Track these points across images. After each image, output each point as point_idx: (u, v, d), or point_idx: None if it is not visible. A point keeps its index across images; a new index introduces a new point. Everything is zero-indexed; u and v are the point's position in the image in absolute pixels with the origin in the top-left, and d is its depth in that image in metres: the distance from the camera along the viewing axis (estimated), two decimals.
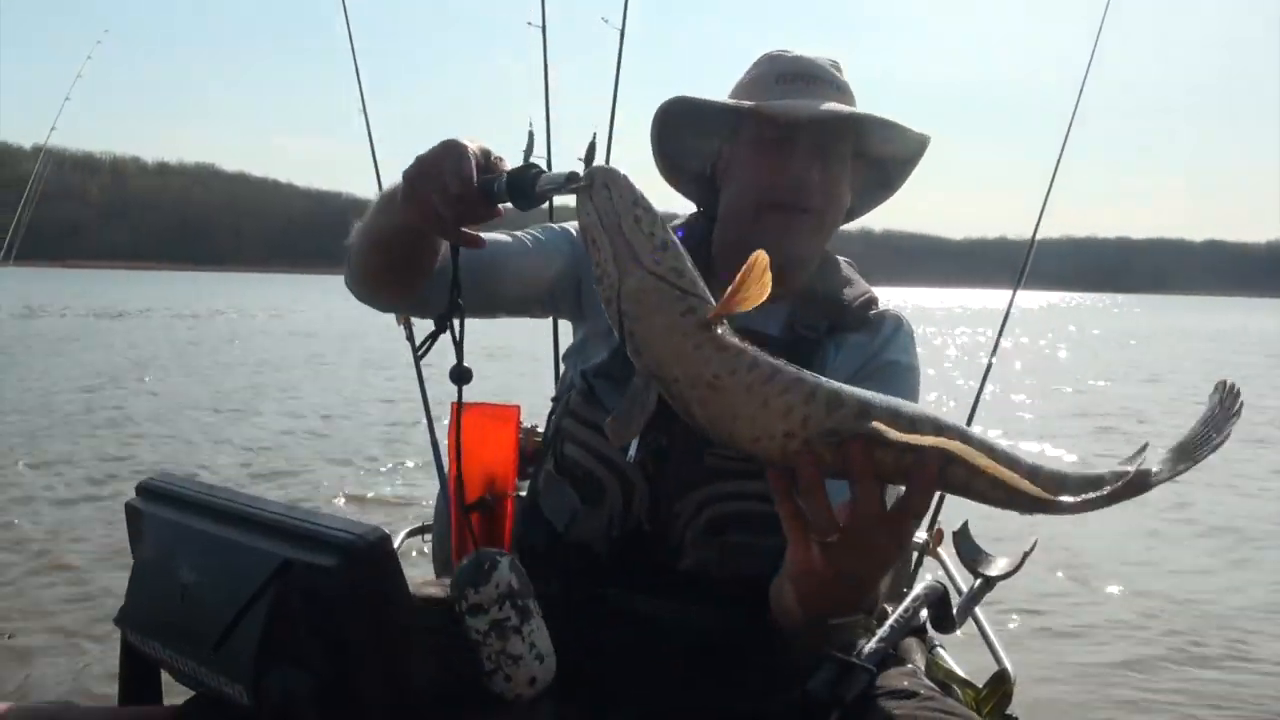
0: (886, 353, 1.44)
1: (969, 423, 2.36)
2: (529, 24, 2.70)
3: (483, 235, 1.24)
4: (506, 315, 1.53)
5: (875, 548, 0.89)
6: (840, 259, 1.58)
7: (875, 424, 0.89)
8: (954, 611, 1.64)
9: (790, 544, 0.96)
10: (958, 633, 1.71)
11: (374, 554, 0.90)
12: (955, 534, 1.95)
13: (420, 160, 1.12)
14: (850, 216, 1.58)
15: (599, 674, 1.30)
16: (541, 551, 1.49)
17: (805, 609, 1.03)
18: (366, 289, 1.42)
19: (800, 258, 1.45)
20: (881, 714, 1.22)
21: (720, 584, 1.38)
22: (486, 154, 1.12)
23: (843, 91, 1.47)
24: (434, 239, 1.26)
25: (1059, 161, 2.54)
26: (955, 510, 2.14)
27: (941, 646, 1.67)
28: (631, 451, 1.39)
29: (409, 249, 1.29)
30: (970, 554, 1.89)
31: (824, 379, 0.94)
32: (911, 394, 1.39)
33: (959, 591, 1.86)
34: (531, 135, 2.65)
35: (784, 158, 1.42)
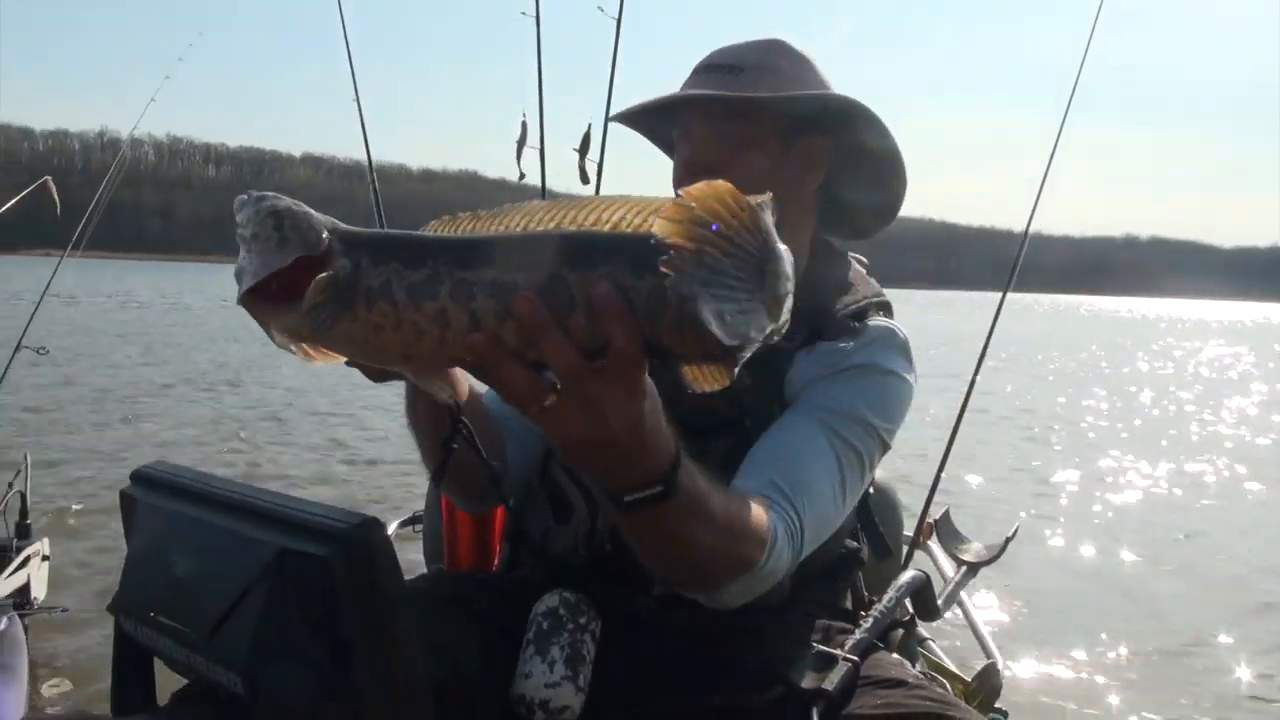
0: (858, 356, 1.32)
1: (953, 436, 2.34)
2: (522, 14, 2.69)
3: None
4: None
5: (597, 401, 0.81)
6: (852, 258, 1.49)
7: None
8: (938, 600, 1.64)
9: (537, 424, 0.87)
10: (948, 627, 1.72)
11: (369, 543, 0.89)
12: (936, 522, 1.97)
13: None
14: (860, 220, 1.49)
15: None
16: (531, 547, 1.49)
17: (603, 495, 0.95)
18: (472, 505, 1.49)
19: None
20: (869, 702, 1.23)
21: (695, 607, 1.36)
22: None
23: (737, 71, 1.35)
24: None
25: (1054, 151, 2.48)
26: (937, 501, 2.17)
27: (932, 640, 1.69)
28: None
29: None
30: (952, 541, 1.91)
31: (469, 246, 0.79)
32: (879, 397, 1.29)
33: (946, 582, 1.87)
34: (525, 126, 2.66)
35: (683, 154, 1.38)
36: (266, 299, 0.79)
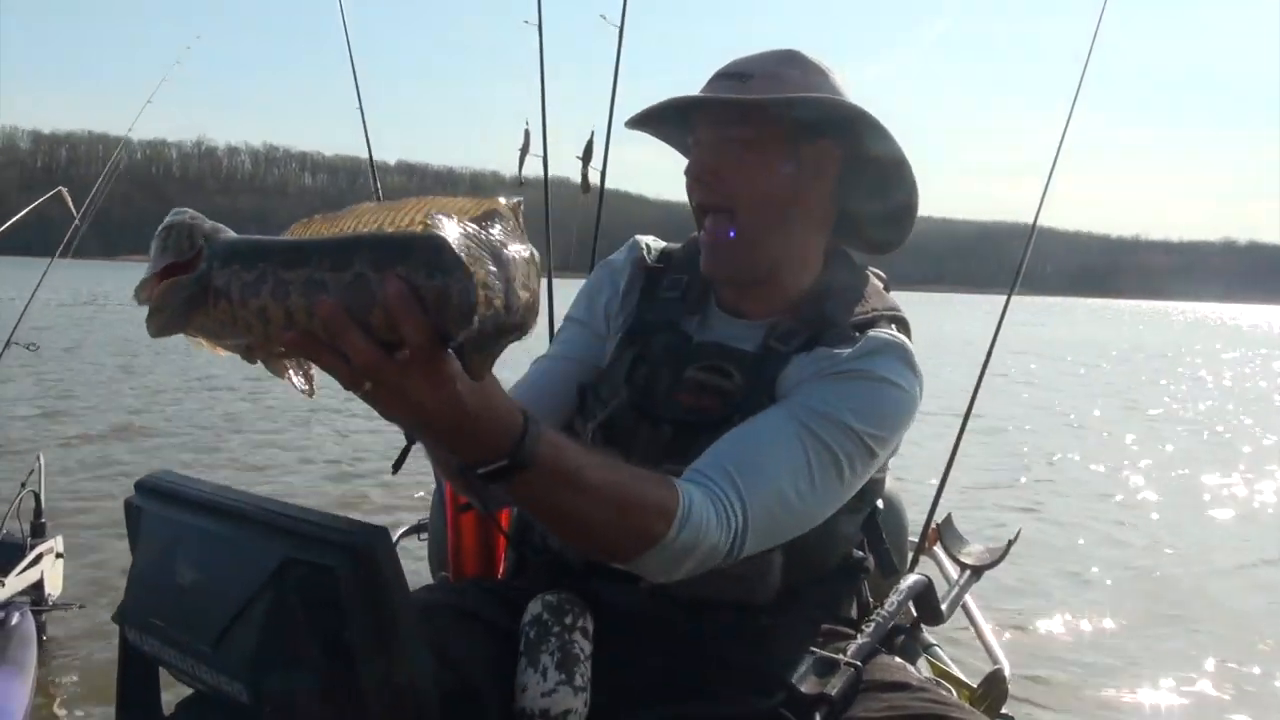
0: (852, 362, 1.29)
1: (961, 431, 2.33)
2: (525, 22, 2.69)
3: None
4: None
5: (403, 389, 0.87)
6: (871, 273, 1.48)
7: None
8: (942, 604, 1.64)
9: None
10: (954, 633, 1.72)
11: (374, 553, 0.90)
12: (939, 525, 1.97)
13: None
14: (864, 232, 1.47)
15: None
16: (536, 551, 1.49)
17: (463, 468, 1.01)
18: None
19: (727, 256, 1.37)
20: (872, 706, 1.22)
21: (685, 602, 1.34)
22: None
23: (744, 79, 1.35)
24: None
25: (1060, 146, 2.45)
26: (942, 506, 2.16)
27: (938, 646, 1.68)
28: None
29: None
30: (954, 545, 1.90)
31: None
32: (866, 402, 1.27)
33: (950, 585, 1.86)
34: (528, 134, 2.67)
35: (691, 158, 1.39)
36: None
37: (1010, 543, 1.79)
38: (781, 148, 1.34)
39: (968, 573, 1.81)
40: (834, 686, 1.22)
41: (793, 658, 1.29)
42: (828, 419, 1.24)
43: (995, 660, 1.71)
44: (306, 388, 0.90)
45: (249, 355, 0.91)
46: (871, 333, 1.33)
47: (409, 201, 0.87)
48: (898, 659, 1.43)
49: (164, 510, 1.04)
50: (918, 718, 1.20)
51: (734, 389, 1.34)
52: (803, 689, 1.22)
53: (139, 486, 1.09)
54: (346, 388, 0.88)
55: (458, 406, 0.90)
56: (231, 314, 0.87)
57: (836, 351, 1.30)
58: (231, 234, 0.91)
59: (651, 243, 1.54)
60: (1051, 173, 2.44)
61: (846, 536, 1.41)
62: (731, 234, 1.35)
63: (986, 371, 2.40)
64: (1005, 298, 2.49)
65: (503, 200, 0.86)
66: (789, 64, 1.37)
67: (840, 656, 1.27)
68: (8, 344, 3.78)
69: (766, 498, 1.19)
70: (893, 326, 1.37)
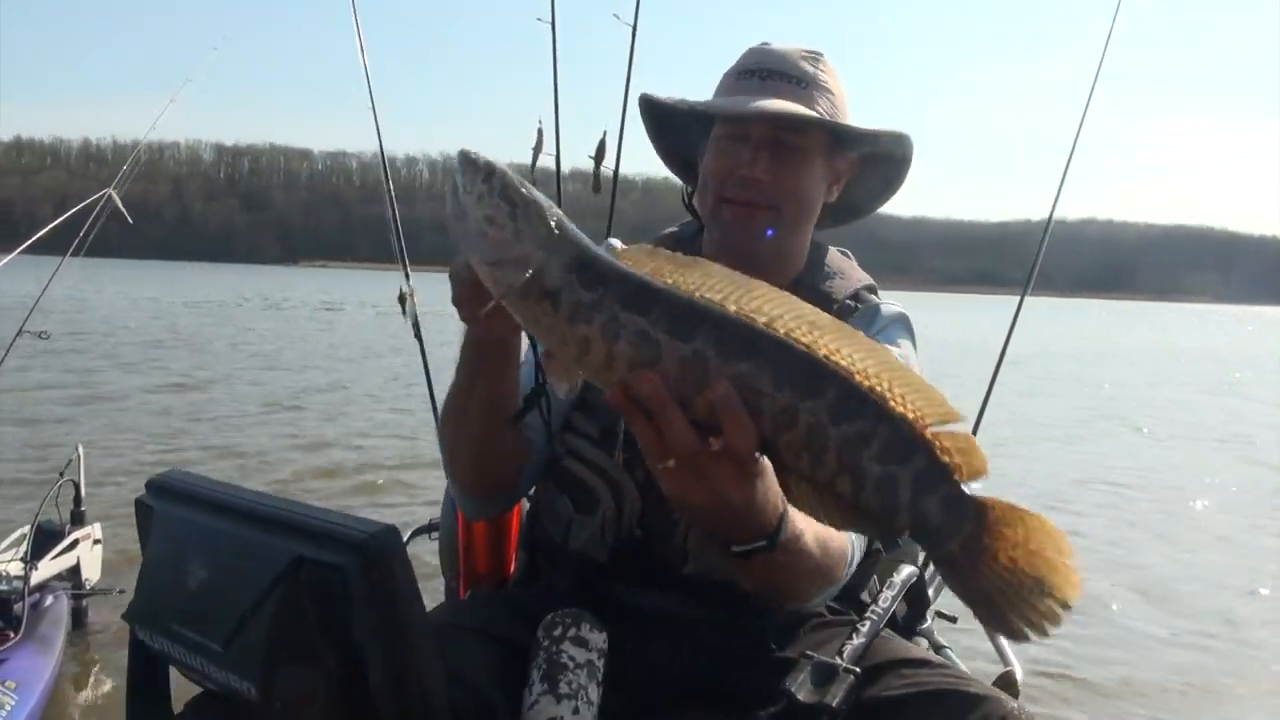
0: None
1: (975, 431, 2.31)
2: (538, 20, 2.68)
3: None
4: None
5: (710, 477, 0.89)
6: (835, 249, 1.58)
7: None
8: (929, 589, 1.70)
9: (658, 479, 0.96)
10: (964, 636, 1.70)
11: (385, 552, 0.90)
12: None
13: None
14: (855, 213, 1.60)
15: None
16: (550, 551, 1.49)
17: (710, 542, 1.10)
18: (477, 496, 1.45)
19: (758, 253, 1.43)
20: (895, 682, 1.24)
21: (726, 588, 1.36)
22: None
23: (803, 84, 1.44)
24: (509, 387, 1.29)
25: (1079, 130, 2.42)
26: None
27: (948, 648, 1.67)
28: (616, 454, 1.40)
29: (490, 406, 1.29)
30: None
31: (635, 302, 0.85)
32: None
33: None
34: (541, 133, 2.64)
35: (735, 153, 1.43)
36: None
37: None
38: (821, 156, 1.45)
39: None
40: (834, 696, 1.21)
41: (802, 652, 1.29)
42: None
43: (1006, 662, 1.69)
44: (569, 395, 0.91)
45: (547, 362, 0.89)
46: (878, 305, 1.48)
47: (761, 287, 0.84)
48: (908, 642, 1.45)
49: (175, 509, 1.04)
50: (940, 693, 1.21)
51: None
52: (800, 697, 1.22)
53: (150, 485, 1.09)
54: (647, 456, 0.89)
55: (751, 500, 0.95)
56: (552, 324, 0.85)
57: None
58: (575, 232, 0.88)
59: (619, 245, 1.57)
60: (1066, 169, 2.42)
61: None
62: (770, 233, 1.43)
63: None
64: (1018, 298, 2.47)
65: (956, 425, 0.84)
66: (820, 68, 1.47)
67: (838, 662, 1.26)
68: (18, 334, 3.87)
69: None
70: (874, 295, 1.51)
